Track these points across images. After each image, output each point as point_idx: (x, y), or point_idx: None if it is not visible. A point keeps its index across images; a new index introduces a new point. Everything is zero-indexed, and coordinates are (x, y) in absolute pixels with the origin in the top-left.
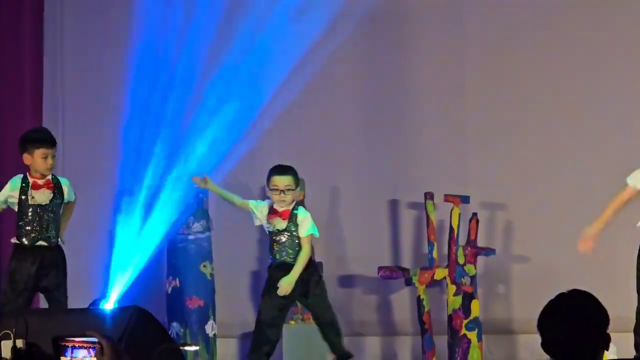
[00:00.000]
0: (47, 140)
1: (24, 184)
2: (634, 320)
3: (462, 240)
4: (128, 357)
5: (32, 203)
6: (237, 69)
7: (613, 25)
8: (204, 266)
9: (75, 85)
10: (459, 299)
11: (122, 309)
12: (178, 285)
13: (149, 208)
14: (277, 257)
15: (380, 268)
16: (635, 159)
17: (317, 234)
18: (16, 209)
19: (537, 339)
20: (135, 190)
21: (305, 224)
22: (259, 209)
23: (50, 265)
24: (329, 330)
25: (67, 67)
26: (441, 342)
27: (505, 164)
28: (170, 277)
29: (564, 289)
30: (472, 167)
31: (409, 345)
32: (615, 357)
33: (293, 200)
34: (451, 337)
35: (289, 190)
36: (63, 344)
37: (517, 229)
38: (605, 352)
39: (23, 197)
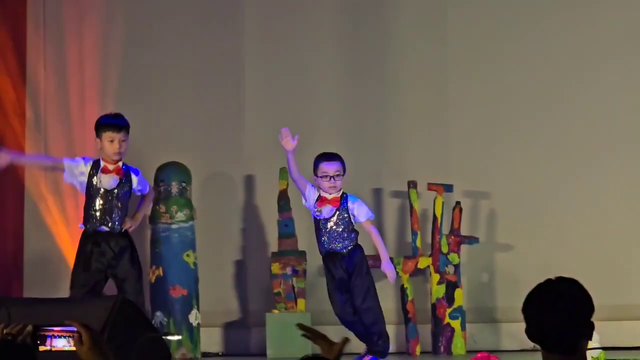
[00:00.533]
0: (112, 124)
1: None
2: (622, 310)
3: (445, 229)
4: (110, 346)
5: (100, 187)
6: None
7: (596, 16)
8: (187, 255)
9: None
10: (443, 287)
11: (106, 298)
12: (161, 274)
13: None
14: (326, 245)
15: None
16: (617, 146)
17: (373, 216)
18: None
19: (521, 327)
20: None
21: (362, 208)
22: (310, 191)
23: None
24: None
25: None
26: (425, 330)
27: (488, 153)
28: (154, 267)
29: (547, 276)
30: (455, 155)
31: (392, 334)
32: (598, 346)
33: (341, 187)
34: (435, 326)
35: (338, 176)
36: (42, 333)
37: (501, 217)
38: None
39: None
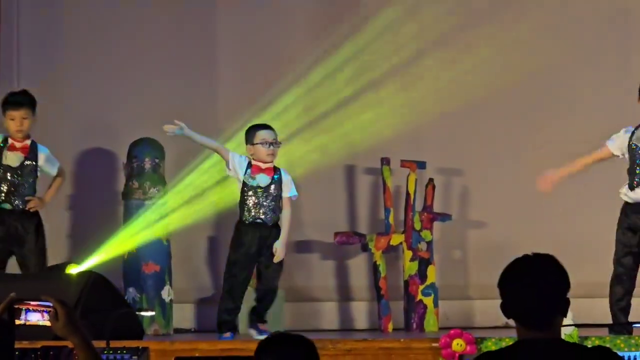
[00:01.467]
0: (13, 102)
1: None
2: (594, 287)
3: (418, 206)
4: (84, 322)
5: (5, 164)
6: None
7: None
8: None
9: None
10: (415, 264)
11: (79, 275)
12: (134, 250)
13: None
14: (251, 214)
15: (336, 234)
16: (590, 124)
17: (296, 195)
18: None
19: (494, 304)
20: None
21: (290, 184)
22: (237, 160)
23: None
24: (271, 297)
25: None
26: (397, 307)
27: (461, 130)
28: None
29: (520, 253)
30: (428, 132)
31: (365, 311)
32: (572, 323)
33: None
34: (407, 303)
35: (276, 143)
36: (17, 307)
37: (474, 194)
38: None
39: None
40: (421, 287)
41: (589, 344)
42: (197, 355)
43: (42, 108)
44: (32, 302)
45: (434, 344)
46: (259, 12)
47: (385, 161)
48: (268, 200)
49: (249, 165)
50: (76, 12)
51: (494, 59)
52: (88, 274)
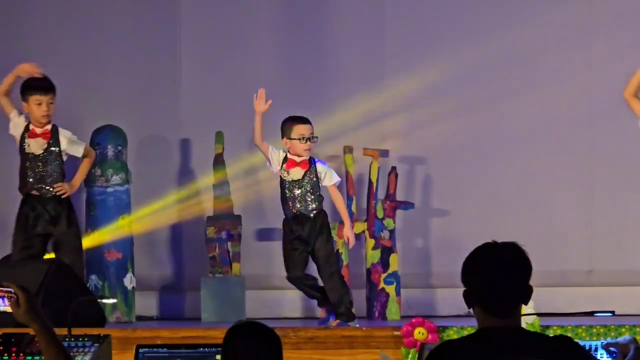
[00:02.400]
0: (40, 87)
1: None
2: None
3: (381, 194)
4: (46, 309)
5: (28, 152)
6: None
7: None
8: (123, 218)
9: None
10: (378, 252)
11: (41, 261)
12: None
13: None
14: (292, 209)
15: None
16: (554, 109)
17: (340, 181)
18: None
19: (456, 293)
20: None
21: (328, 173)
22: (275, 156)
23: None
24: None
25: None
26: (360, 295)
27: (424, 118)
28: (89, 230)
29: (482, 242)
30: (390, 120)
31: None
32: (533, 312)
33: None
34: (370, 291)
35: (314, 138)
36: None
37: (436, 183)
38: (524, 306)
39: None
40: (383, 276)
41: (550, 333)
42: (159, 342)
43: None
44: None
45: (396, 333)
46: (224, 3)
47: (348, 149)
48: (304, 193)
49: (285, 159)
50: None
51: (457, 46)
52: (50, 261)
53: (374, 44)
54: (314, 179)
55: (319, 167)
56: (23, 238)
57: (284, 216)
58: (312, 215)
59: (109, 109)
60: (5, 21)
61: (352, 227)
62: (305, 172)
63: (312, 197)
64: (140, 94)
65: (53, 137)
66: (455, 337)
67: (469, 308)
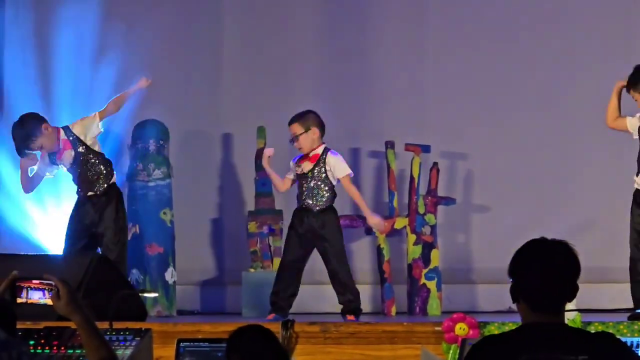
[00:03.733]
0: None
1: None
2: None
3: (422, 190)
4: (87, 303)
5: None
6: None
7: None
8: (164, 213)
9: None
10: (419, 248)
11: (83, 255)
12: (138, 232)
13: None
14: (301, 203)
15: (340, 217)
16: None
17: (351, 174)
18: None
19: (497, 288)
20: None
21: (338, 165)
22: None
23: None
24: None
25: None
26: (401, 291)
27: (466, 113)
28: (130, 224)
29: (524, 238)
30: (433, 116)
31: (368, 294)
32: (574, 308)
33: (313, 145)
34: (411, 286)
35: (296, 136)
36: (19, 285)
37: (478, 178)
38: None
39: None
40: (424, 271)
41: (592, 329)
42: (200, 337)
43: (44, 94)
44: (34, 281)
45: (437, 328)
46: (265, 1)
47: (390, 144)
48: (314, 187)
49: (301, 156)
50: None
51: (501, 41)
52: (92, 255)
53: (416, 38)
54: (324, 171)
55: (329, 158)
56: (72, 232)
57: None
58: (315, 210)
59: (150, 103)
60: (46, 12)
61: (373, 213)
62: (314, 165)
63: (322, 192)
64: (181, 89)
65: (70, 140)
66: (496, 332)
67: (514, 302)
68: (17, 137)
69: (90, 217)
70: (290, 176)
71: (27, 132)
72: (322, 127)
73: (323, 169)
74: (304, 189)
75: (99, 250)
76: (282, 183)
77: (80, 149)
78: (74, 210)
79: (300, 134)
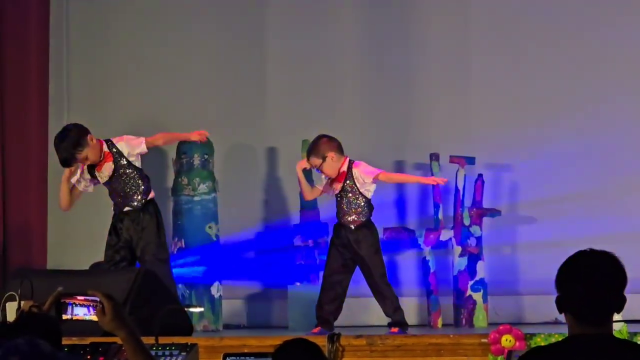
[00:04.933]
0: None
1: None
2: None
3: (467, 202)
4: (133, 318)
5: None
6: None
7: None
8: (210, 227)
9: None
10: (465, 260)
11: (128, 270)
12: (183, 246)
13: None
14: (339, 219)
15: (386, 229)
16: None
17: (381, 170)
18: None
19: (543, 299)
20: None
21: (364, 173)
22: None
23: None
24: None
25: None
26: (447, 303)
27: (511, 125)
28: (176, 238)
29: (570, 250)
30: (477, 128)
31: (414, 306)
32: (621, 319)
33: (337, 166)
34: (457, 298)
35: (316, 168)
36: (64, 301)
37: (523, 189)
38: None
39: None
40: (470, 283)
41: (638, 339)
42: (246, 351)
43: (93, 106)
44: (78, 297)
45: (483, 340)
46: (308, 13)
47: (435, 157)
48: (348, 203)
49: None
50: (126, 10)
51: (545, 53)
52: (137, 270)
53: (460, 49)
54: (354, 185)
55: (354, 172)
56: (112, 247)
57: None
58: (352, 226)
59: (195, 118)
60: (93, 32)
61: (427, 177)
62: (343, 182)
63: (358, 206)
64: (226, 103)
65: (113, 153)
66: (542, 344)
67: (561, 313)
68: (63, 148)
69: (129, 232)
70: (320, 187)
71: (74, 142)
72: (337, 147)
73: (353, 183)
74: (341, 206)
75: (137, 265)
76: (310, 192)
77: (121, 162)
78: (112, 225)
79: (321, 165)
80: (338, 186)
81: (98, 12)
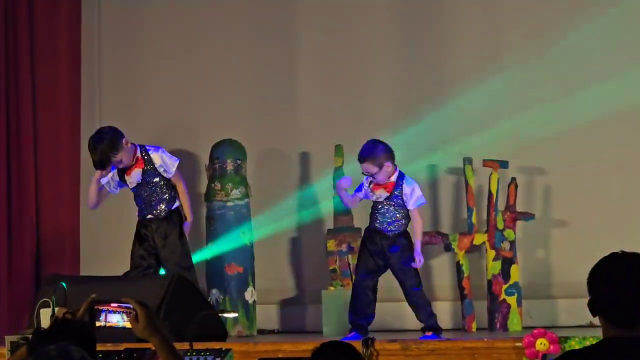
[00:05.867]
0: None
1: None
2: None
3: (501, 205)
4: (166, 324)
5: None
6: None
7: None
8: (243, 232)
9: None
10: (499, 264)
11: (162, 277)
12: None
13: None
14: (375, 225)
15: None
16: None
17: (424, 203)
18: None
19: (577, 303)
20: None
21: (412, 195)
22: (363, 184)
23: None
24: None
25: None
26: (481, 307)
27: (544, 128)
28: (209, 244)
29: (603, 253)
30: (511, 131)
31: (448, 311)
32: None
33: (389, 175)
34: (491, 302)
35: (371, 175)
36: (97, 308)
37: (556, 193)
38: None
39: None
40: (504, 287)
41: None
42: (280, 356)
43: (124, 110)
44: (112, 304)
45: (518, 344)
46: (339, 16)
47: (468, 160)
48: (387, 213)
49: (371, 181)
50: (157, 14)
51: (578, 56)
52: (171, 276)
53: (492, 52)
54: (400, 198)
55: (405, 188)
56: (137, 254)
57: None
58: (390, 234)
59: (227, 123)
60: (124, 33)
61: (419, 252)
62: (390, 194)
63: (397, 217)
64: (258, 108)
65: (146, 162)
66: (577, 347)
67: (594, 316)
68: (100, 150)
69: (154, 239)
70: (360, 195)
71: (110, 145)
72: (393, 157)
73: (399, 195)
74: (380, 212)
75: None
76: (353, 202)
77: (150, 170)
78: (136, 232)
79: (375, 173)
80: (383, 195)
81: (129, 17)
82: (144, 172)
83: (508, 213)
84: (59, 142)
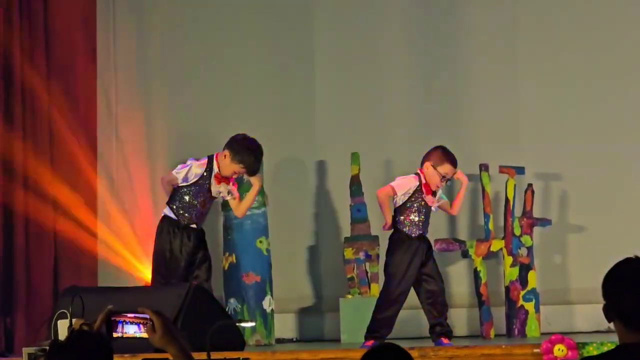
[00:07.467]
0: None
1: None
2: None
3: (518, 212)
4: (184, 334)
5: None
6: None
7: None
8: (260, 242)
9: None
10: (516, 270)
11: (179, 286)
12: (234, 261)
13: None
14: (419, 230)
15: (436, 240)
16: None
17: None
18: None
19: (595, 308)
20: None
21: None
22: (410, 182)
23: None
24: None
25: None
26: (499, 313)
27: (560, 134)
28: (227, 253)
29: (621, 258)
30: (527, 137)
31: (466, 317)
32: None
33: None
34: (509, 309)
35: (450, 177)
36: (114, 319)
37: (573, 198)
38: None
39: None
40: (522, 293)
41: None
42: None
43: (141, 120)
44: (128, 315)
45: (536, 350)
46: (357, 25)
47: (484, 167)
48: (426, 218)
49: (420, 184)
50: (173, 24)
51: (593, 62)
52: (188, 286)
53: (508, 60)
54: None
55: (438, 193)
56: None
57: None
58: (426, 236)
59: (244, 131)
60: (140, 43)
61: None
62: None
63: (428, 223)
64: (275, 116)
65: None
66: (595, 353)
67: (609, 322)
68: (259, 159)
69: (189, 248)
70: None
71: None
72: None
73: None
74: (427, 219)
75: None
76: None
77: (221, 187)
78: (171, 238)
79: (452, 176)
80: (430, 201)
81: (145, 24)
82: (221, 187)
83: (525, 219)
84: (76, 154)
